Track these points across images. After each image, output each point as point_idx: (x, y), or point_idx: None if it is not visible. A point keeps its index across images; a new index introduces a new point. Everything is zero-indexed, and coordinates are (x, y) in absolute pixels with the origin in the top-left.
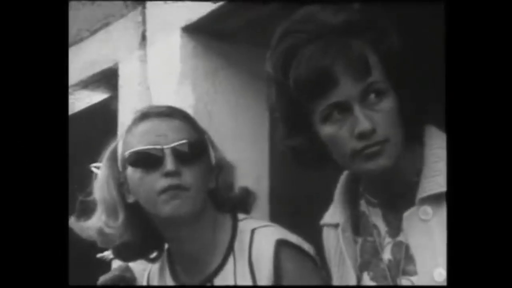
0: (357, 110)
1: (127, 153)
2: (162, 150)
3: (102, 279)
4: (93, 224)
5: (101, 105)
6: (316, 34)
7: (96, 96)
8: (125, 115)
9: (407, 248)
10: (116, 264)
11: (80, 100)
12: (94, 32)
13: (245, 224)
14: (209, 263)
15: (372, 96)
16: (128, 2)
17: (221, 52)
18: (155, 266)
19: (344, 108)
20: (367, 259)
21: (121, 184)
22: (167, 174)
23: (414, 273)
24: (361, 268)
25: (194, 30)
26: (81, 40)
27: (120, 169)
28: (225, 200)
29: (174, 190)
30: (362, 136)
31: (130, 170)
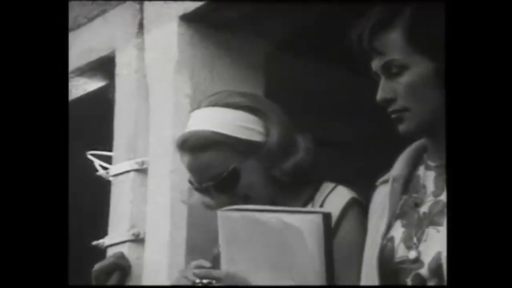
0: (382, 80)
1: None
2: None
3: (97, 266)
4: None
5: (98, 93)
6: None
7: (93, 84)
8: (121, 103)
9: (443, 205)
10: (111, 251)
11: (77, 88)
12: (91, 19)
13: (332, 184)
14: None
15: (395, 70)
16: None
17: (219, 41)
18: None
19: (378, 77)
20: (405, 210)
21: None
22: None
23: (442, 224)
24: (396, 217)
25: (191, 19)
26: (78, 27)
27: None
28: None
29: None
30: (381, 103)
31: None
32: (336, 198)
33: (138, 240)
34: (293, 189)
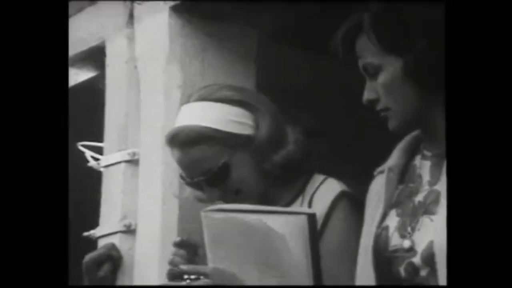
0: (366, 82)
1: None
2: None
3: (88, 257)
4: None
5: (89, 83)
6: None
7: (83, 74)
8: (112, 94)
9: (438, 194)
10: (102, 242)
11: (69, 78)
12: (81, 9)
13: (322, 176)
14: (278, 201)
15: (371, 71)
16: None
17: (210, 31)
18: None
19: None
20: (401, 200)
21: None
22: None
23: (436, 213)
24: (391, 206)
25: (182, 9)
26: (69, 16)
27: None
28: None
29: None
30: (366, 104)
31: None
32: (326, 190)
33: (129, 231)
34: (285, 182)
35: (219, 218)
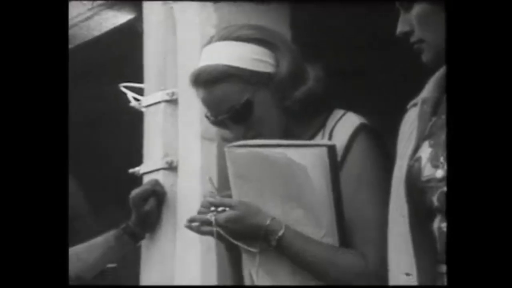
0: (401, 14)
1: None
2: None
3: (134, 193)
4: None
5: (128, 26)
6: None
7: (122, 17)
8: (150, 35)
9: None
10: (147, 179)
11: (107, 21)
12: None
13: (342, 111)
14: (300, 136)
15: (406, 3)
16: None
17: None
18: None
19: None
20: (433, 131)
21: None
22: None
23: None
24: (424, 138)
25: None
26: None
27: None
28: None
29: None
30: (401, 36)
31: None
32: (345, 124)
33: (171, 168)
34: (305, 118)
35: (242, 153)
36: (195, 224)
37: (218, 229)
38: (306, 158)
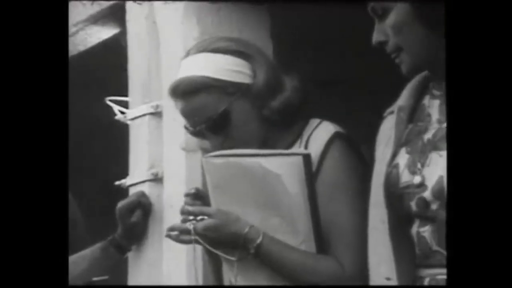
0: (375, 23)
1: None
2: None
3: (121, 204)
4: None
5: (112, 41)
6: None
7: (107, 32)
8: (134, 49)
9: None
10: (133, 191)
11: (92, 36)
12: None
13: (318, 120)
14: (277, 145)
15: (380, 12)
16: None
17: None
18: None
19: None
20: (410, 138)
21: None
22: None
23: (444, 148)
24: (401, 145)
25: None
26: None
27: None
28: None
29: None
30: (377, 46)
31: None
32: (321, 132)
33: (157, 179)
34: (283, 127)
35: (219, 163)
36: (174, 233)
37: (197, 237)
38: (282, 167)
